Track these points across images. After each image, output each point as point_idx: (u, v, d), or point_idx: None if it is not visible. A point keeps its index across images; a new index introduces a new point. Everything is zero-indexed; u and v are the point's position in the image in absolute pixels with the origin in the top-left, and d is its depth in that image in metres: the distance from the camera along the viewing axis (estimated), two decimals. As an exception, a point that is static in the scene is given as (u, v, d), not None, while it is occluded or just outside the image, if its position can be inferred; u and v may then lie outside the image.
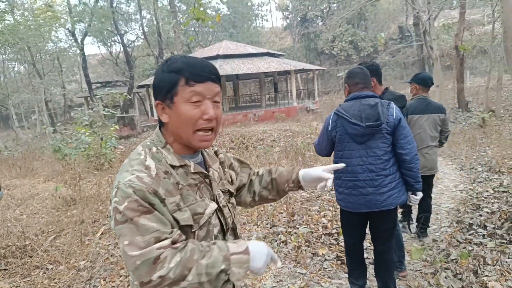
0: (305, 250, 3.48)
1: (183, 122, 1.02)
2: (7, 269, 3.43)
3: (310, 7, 34.67)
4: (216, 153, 1.29)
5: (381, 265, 2.55)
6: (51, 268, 3.45)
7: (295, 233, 3.86)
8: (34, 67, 25.05)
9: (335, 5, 32.59)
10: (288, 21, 40.18)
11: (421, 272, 3.00)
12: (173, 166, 1.04)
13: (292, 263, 3.29)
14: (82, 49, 23.57)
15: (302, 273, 3.09)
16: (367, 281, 2.76)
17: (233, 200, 1.25)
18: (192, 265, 0.90)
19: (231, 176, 1.32)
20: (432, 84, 3.65)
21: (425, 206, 3.67)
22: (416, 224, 3.82)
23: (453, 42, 14.82)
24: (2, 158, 12.17)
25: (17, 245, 3.80)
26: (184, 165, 1.06)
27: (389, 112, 2.28)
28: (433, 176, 3.73)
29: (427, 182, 3.57)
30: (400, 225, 3.46)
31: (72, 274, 3.27)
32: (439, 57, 15.07)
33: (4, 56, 26.04)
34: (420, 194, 2.42)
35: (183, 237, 0.97)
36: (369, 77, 2.46)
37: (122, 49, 28.62)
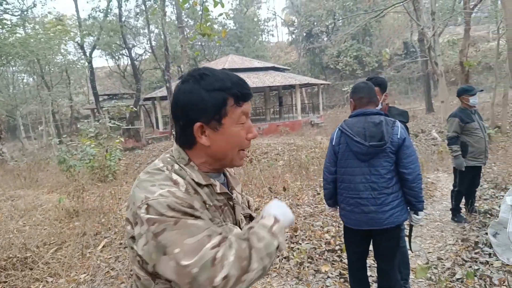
0: (307, 267, 3.43)
1: (232, 145, 0.96)
2: (7, 282, 3.41)
3: (315, 23, 35.10)
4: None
5: (384, 283, 2.50)
6: (51, 281, 3.42)
7: (298, 248, 3.81)
8: (43, 79, 25.48)
9: (340, 21, 32.94)
10: (293, 36, 40.69)
11: (425, 291, 2.94)
12: (199, 184, 0.96)
13: (294, 280, 3.24)
14: (90, 62, 23.96)
15: (304, 291, 3.04)
16: (370, 300, 2.71)
17: None
18: (245, 254, 0.84)
19: (248, 202, 1.29)
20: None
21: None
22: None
23: (458, 58, 14.87)
24: (8, 168, 12.25)
25: (18, 257, 3.78)
26: (210, 184, 0.98)
27: (394, 131, 2.25)
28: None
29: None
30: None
31: (71, 287, 3.25)
32: (444, 72, 15.13)
33: (14, 68, 26.49)
34: (422, 214, 2.38)
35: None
36: (374, 92, 2.43)
37: (129, 63, 29.12)
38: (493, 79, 15.05)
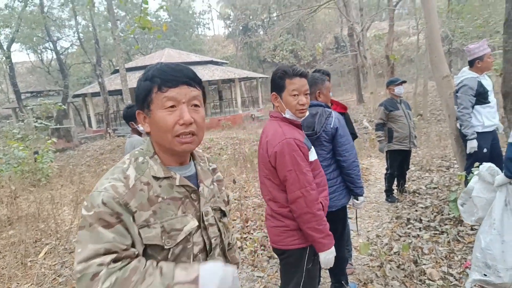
0: (261, 254, 3.58)
1: (161, 129, 1.00)
2: None
3: (251, 17, 35.42)
4: (214, 170, 1.28)
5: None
6: (-10, 295, 3.17)
7: (251, 238, 3.95)
8: (-49, 76, 22.63)
9: (275, 15, 33.61)
10: (230, 29, 40.64)
11: (368, 266, 3.24)
12: (157, 178, 1.01)
13: (250, 267, 3.37)
14: (8, 56, 21.73)
15: (260, 276, 3.18)
16: (321, 278, 2.93)
17: (225, 219, 1.22)
18: (128, 287, 0.87)
19: (227, 196, 1.32)
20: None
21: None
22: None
23: (384, 52, 16.05)
24: None
25: None
26: (169, 177, 1.03)
27: (328, 121, 2.42)
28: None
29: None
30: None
31: (15, 299, 3.05)
32: (372, 65, 16.23)
33: None
34: (361, 199, 2.57)
35: (137, 256, 0.94)
36: (313, 85, 2.57)
37: (54, 57, 26.97)
38: (414, 71, 16.52)
